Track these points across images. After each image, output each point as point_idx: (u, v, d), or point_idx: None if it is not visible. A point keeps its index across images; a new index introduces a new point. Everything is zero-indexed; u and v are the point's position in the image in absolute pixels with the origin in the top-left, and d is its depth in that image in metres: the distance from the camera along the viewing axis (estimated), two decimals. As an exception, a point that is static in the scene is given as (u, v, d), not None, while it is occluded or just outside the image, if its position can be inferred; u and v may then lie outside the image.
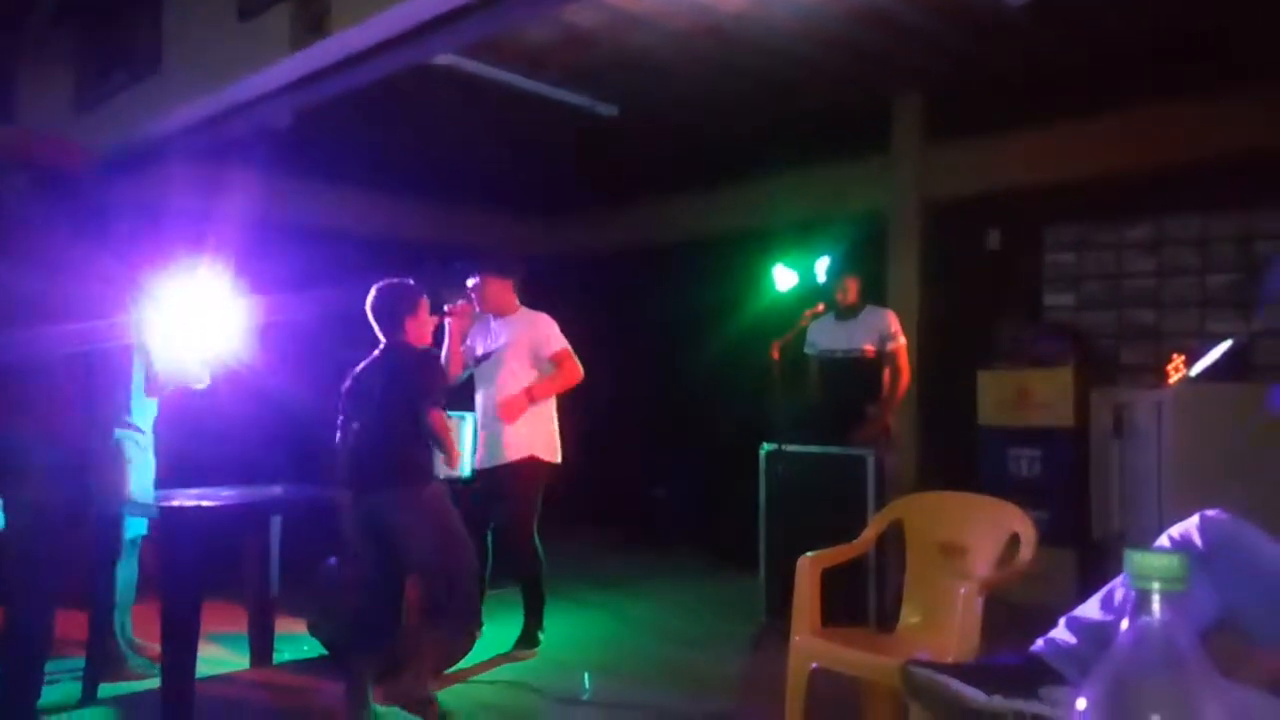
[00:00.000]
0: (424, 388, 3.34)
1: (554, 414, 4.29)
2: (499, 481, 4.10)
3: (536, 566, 4.15)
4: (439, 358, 3.56)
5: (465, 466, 3.59)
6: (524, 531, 4.12)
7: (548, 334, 4.23)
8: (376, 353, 3.47)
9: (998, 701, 1.66)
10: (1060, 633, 1.85)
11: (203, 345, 3.89)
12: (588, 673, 3.82)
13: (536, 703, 3.59)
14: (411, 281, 3.55)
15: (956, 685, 1.72)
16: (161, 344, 3.81)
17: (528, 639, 4.14)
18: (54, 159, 3.24)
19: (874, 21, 5.01)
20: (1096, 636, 1.76)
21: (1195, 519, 1.79)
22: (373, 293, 3.49)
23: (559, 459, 4.26)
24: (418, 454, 3.31)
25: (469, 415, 4.34)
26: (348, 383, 3.44)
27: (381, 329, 3.45)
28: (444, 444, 3.38)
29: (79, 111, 5.37)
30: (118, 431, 3.68)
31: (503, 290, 4.25)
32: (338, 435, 3.44)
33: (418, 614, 3.38)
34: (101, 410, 3.63)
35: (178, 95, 4.65)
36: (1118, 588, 1.81)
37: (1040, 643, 1.86)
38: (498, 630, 4.25)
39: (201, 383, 3.93)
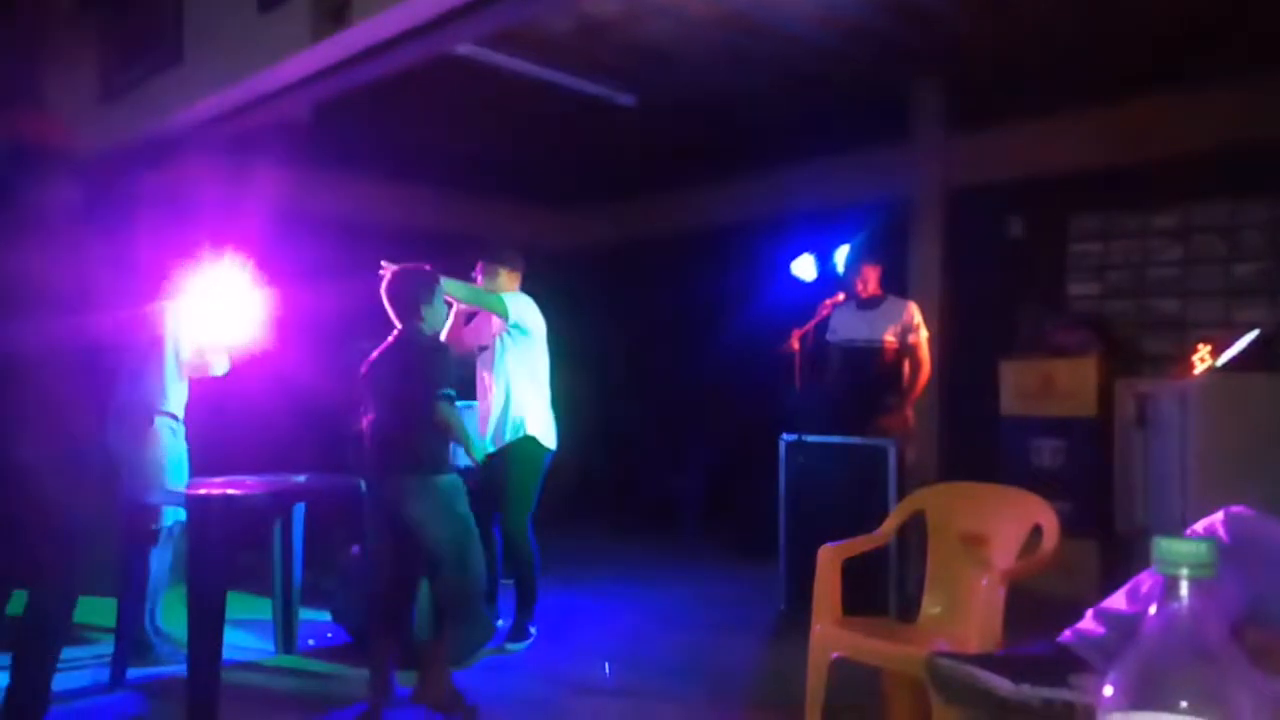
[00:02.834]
0: (435, 378, 3.26)
1: (548, 401, 4.33)
2: (499, 465, 4.12)
3: (529, 556, 4.16)
4: (447, 348, 3.44)
5: (479, 451, 3.53)
6: (519, 517, 4.13)
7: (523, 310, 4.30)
8: (390, 340, 3.40)
9: (1026, 690, 1.65)
10: (1088, 624, 1.84)
11: (224, 334, 3.93)
12: (608, 662, 3.84)
13: (557, 692, 3.61)
14: (428, 268, 3.47)
15: (984, 675, 1.71)
16: (187, 332, 3.86)
17: (518, 631, 4.15)
18: (46, 138, 3.17)
19: (894, 8, 4.97)
20: (1125, 627, 1.75)
21: (1220, 514, 1.78)
22: (388, 278, 3.41)
23: (554, 446, 4.29)
24: (431, 444, 3.25)
25: (473, 404, 4.37)
26: (363, 370, 3.39)
27: (397, 315, 3.38)
28: (454, 437, 3.32)
29: (104, 101, 5.41)
30: (156, 419, 3.72)
31: (512, 281, 4.33)
32: (363, 423, 3.40)
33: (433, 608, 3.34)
34: (114, 402, 3.67)
35: (199, 86, 4.68)
36: (1144, 581, 1.80)
37: (1067, 633, 1.85)
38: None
39: (222, 369, 3.96)
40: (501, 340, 4.24)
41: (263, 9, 4.19)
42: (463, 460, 3.53)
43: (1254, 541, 1.70)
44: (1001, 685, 1.68)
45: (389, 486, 3.24)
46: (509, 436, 4.16)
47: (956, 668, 1.79)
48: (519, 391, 4.20)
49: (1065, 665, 1.73)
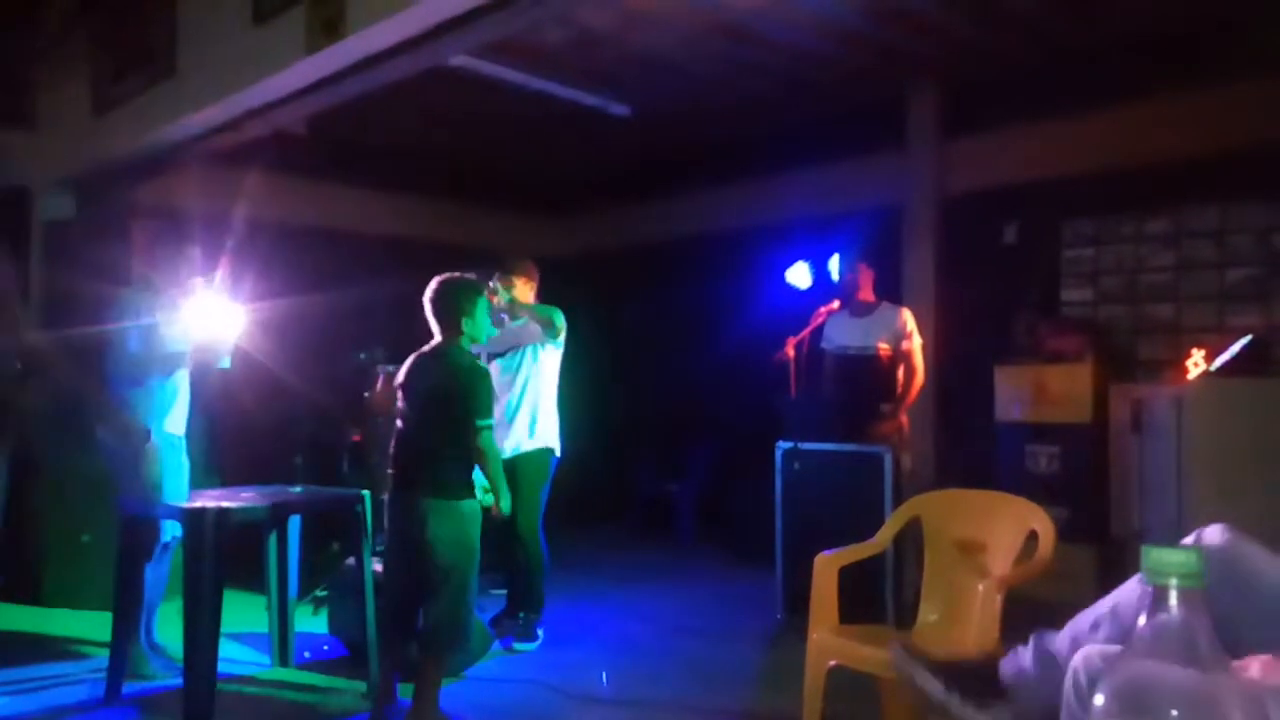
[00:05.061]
0: (476, 405, 3.14)
1: (557, 408, 4.42)
2: (511, 471, 4.13)
3: (540, 560, 4.23)
4: (487, 371, 3.29)
5: (506, 501, 3.35)
6: (531, 521, 4.20)
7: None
8: (428, 349, 3.29)
9: (954, 701, 1.68)
10: (1026, 656, 1.80)
11: (222, 337, 3.92)
12: (605, 671, 3.83)
13: (554, 700, 3.60)
14: (474, 277, 3.36)
15: (921, 675, 1.74)
16: (179, 338, 3.84)
17: (526, 632, 4.21)
18: None
19: (888, 16, 5.00)
20: (1051, 668, 1.71)
21: (1193, 536, 1.77)
22: (432, 285, 3.28)
23: (561, 451, 4.40)
24: (460, 468, 3.18)
25: None
26: (401, 377, 3.31)
27: (438, 325, 3.26)
28: (486, 470, 3.23)
29: (97, 114, 5.41)
30: (154, 435, 3.71)
31: (528, 290, 4.40)
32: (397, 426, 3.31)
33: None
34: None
35: (193, 99, 4.68)
36: (1086, 621, 1.74)
37: (1008, 660, 1.82)
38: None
39: (224, 362, 3.93)
40: (532, 350, 4.31)
41: (257, 22, 4.20)
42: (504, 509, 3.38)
43: (1227, 563, 1.69)
44: (934, 690, 1.70)
45: (411, 504, 3.17)
46: (526, 444, 4.24)
47: (902, 664, 1.82)
48: (541, 400, 4.31)
49: (1001, 684, 1.74)
